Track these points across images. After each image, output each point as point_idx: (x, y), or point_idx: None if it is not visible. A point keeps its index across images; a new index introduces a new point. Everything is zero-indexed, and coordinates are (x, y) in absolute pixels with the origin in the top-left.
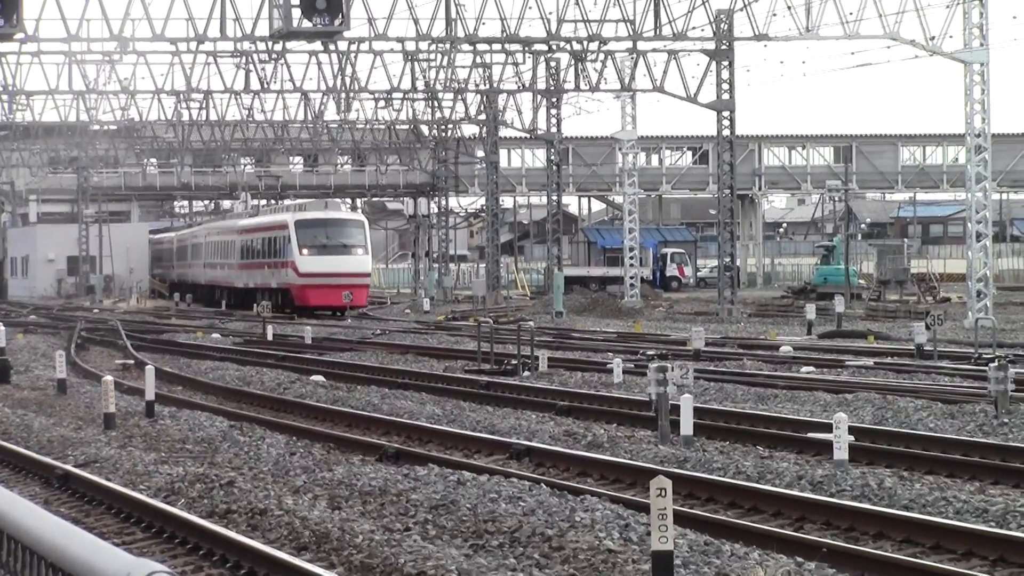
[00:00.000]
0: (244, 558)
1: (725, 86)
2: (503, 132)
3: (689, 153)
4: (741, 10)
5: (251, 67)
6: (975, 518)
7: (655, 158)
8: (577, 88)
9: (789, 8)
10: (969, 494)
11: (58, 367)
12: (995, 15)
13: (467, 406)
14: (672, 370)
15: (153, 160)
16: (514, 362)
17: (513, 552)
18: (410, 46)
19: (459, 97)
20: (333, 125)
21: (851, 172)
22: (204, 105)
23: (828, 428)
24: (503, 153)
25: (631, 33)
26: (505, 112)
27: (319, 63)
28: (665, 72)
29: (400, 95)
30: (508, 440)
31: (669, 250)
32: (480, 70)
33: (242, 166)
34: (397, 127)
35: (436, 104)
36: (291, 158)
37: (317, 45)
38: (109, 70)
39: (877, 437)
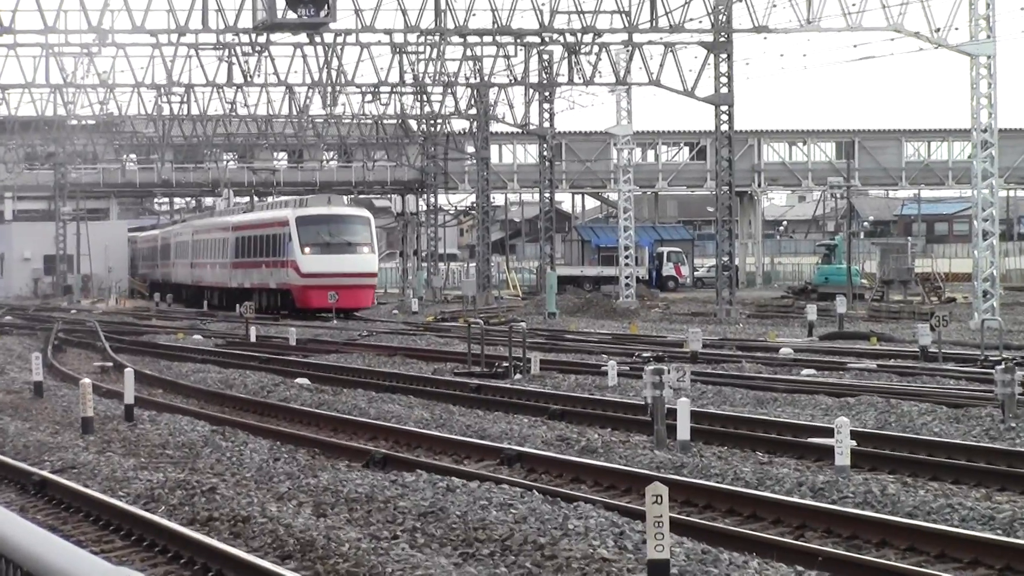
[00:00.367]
0: (226, 567)
1: (723, 79)
2: (494, 127)
3: (686, 149)
4: (740, 1)
5: (234, 60)
6: (981, 526)
7: (651, 154)
8: (571, 82)
9: None
10: (975, 501)
11: (34, 369)
12: (1002, 7)
13: (457, 410)
14: (668, 373)
15: (133, 156)
16: (505, 364)
17: (504, 561)
18: (398, 38)
19: (449, 91)
20: (319, 120)
21: (853, 168)
22: (185, 99)
23: (829, 433)
24: (494, 149)
25: (626, 25)
26: (496, 106)
27: (304, 56)
28: (661, 65)
29: (388, 89)
30: (499, 445)
31: (665, 249)
32: (470, 63)
33: (224, 162)
34: (385, 122)
35: (425, 98)
36: (275, 154)
37: (302, 37)
38: (87, 63)
39: (880, 442)
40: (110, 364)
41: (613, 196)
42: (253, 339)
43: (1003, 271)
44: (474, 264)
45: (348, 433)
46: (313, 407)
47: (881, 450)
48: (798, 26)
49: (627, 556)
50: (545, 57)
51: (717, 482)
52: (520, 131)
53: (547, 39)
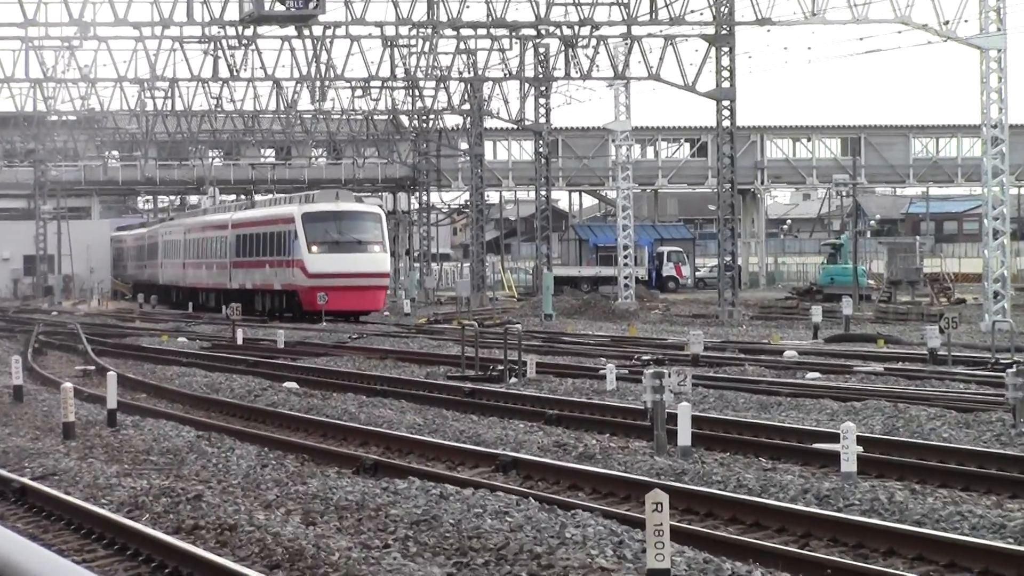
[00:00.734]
0: None
1: (725, 73)
2: (488, 123)
3: (687, 145)
4: None
5: (220, 53)
6: (992, 534)
7: (650, 150)
8: (567, 76)
9: None
10: (986, 509)
11: (14, 373)
12: None
13: (450, 415)
14: (669, 376)
15: (115, 153)
16: (500, 368)
17: (499, 571)
18: (389, 31)
19: (441, 85)
20: (307, 116)
21: (859, 165)
22: (169, 94)
23: (835, 438)
24: (488, 145)
25: (625, 17)
26: (490, 101)
27: (292, 49)
28: (661, 59)
29: (379, 83)
30: (494, 451)
31: (665, 248)
32: (464, 57)
33: (210, 159)
34: (375, 118)
35: (417, 93)
36: (262, 150)
37: (290, 30)
38: (68, 57)
39: (887, 448)
40: (92, 367)
41: (611, 194)
42: (240, 342)
43: (1014, 271)
44: (468, 264)
45: (338, 439)
46: (302, 412)
47: (888, 456)
48: (802, 18)
49: (626, 566)
50: (541, 50)
51: (719, 489)
52: (515, 127)
53: (543, 32)
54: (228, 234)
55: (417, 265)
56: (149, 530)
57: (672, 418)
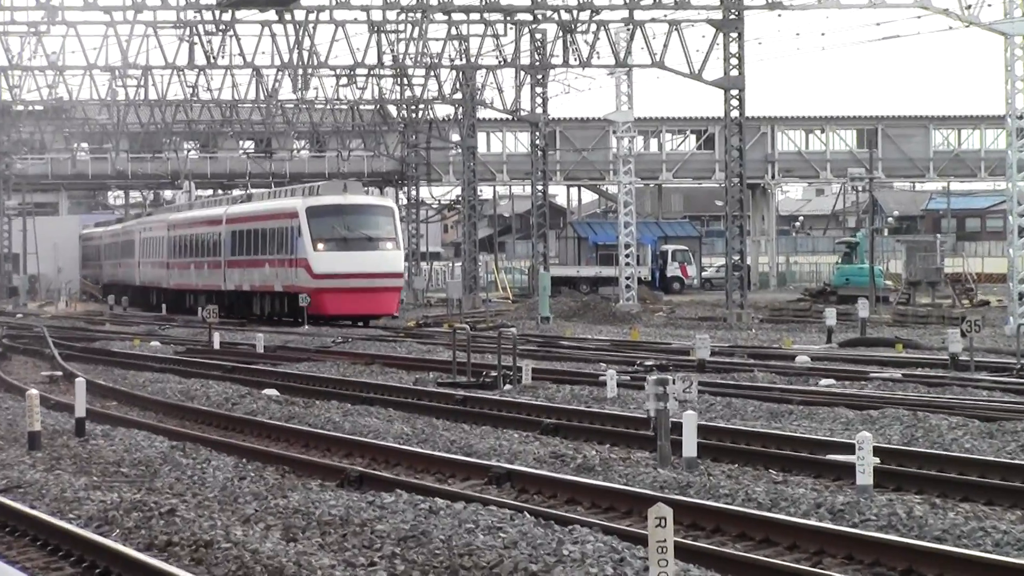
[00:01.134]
0: None
1: (733, 61)
2: (481, 113)
3: (692, 137)
4: None
5: (196, 39)
6: (1017, 551)
7: (654, 143)
8: (566, 63)
9: None
10: (1010, 524)
11: None
12: None
13: (440, 424)
14: (673, 383)
15: (84, 145)
16: (494, 374)
17: None
18: (376, 16)
19: (432, 73)
20: (289, 105)
21: (876, 158)
22: (142, 83)
23: (850, 449)
24: (481, 137)
25: (627, 1)
26: (484, 91)
27: (273, 35)
28: (665, 45)
29: (365, 71)
30: (487, 463)
31: (670, 247)
32: (455, 43)
33: (185, 152)
34: (361, 107)
35: (405, 82)
36: (241, 142)
37: (271, 14)
38: (35, 43)
39: (906, 459)
40: (60, 373)
41: (612, 189)
42: (217, 346)
43: None
44: (459, 264)
45: (321, 449)
46: (282, 421)
47: (907, 468)
48: (815, 2)
49: None
50: (538, 36)
51: (726, 503)
52: (510, 117)
53: (540, 16)
54: (222, 230)
55: (406, 264)
56: (119, 546)
57: (677, 427)
